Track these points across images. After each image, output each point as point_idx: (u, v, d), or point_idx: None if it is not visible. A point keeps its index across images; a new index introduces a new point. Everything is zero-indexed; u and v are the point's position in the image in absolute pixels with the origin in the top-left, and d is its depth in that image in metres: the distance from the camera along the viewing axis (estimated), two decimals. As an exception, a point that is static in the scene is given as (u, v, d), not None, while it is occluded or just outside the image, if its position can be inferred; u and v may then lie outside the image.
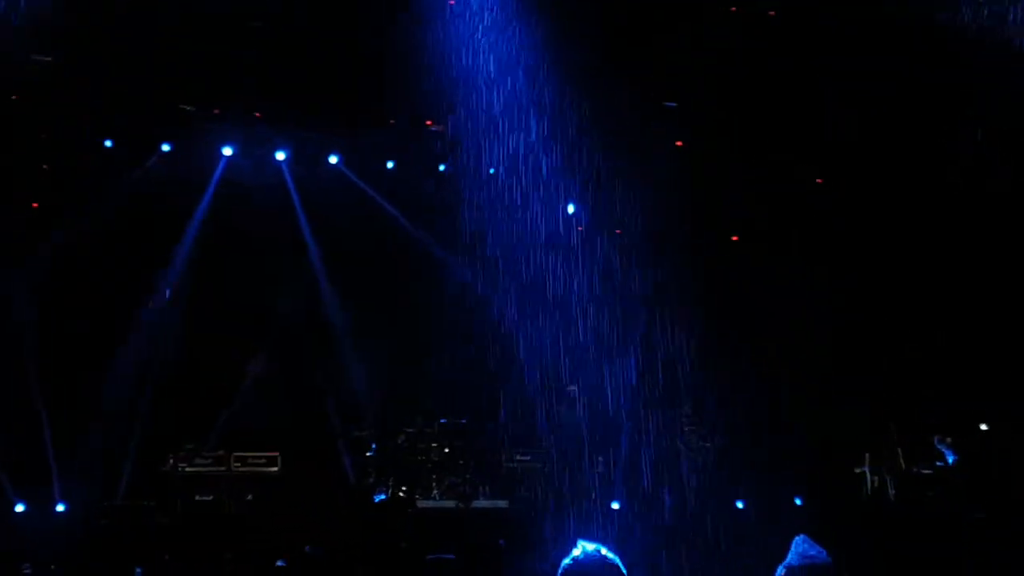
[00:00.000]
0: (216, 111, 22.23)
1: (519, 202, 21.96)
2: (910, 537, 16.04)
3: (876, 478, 22.37)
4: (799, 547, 5.78)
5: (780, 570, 5.74)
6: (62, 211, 21.94)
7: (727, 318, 22.61)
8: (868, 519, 20.11)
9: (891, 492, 22.21)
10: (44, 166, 22.17)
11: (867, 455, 22.57)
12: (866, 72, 19.55)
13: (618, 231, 23.81)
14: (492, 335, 22.10)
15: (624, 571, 5.11)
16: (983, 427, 21.98)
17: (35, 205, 22.23)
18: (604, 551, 5.12)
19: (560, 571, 5.12)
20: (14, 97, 20.48)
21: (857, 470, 22.61)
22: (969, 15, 17.67)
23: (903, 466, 22.15)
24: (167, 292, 22.88)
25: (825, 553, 5.74)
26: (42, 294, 21.52)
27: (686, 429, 22.27)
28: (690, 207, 23.11)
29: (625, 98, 21.04)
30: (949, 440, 21.19)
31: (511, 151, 21.11)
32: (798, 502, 20.98)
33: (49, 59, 19.66)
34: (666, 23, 19.62)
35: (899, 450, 22.12)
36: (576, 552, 5.11)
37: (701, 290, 22.60)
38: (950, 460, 20.90)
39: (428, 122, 22.82)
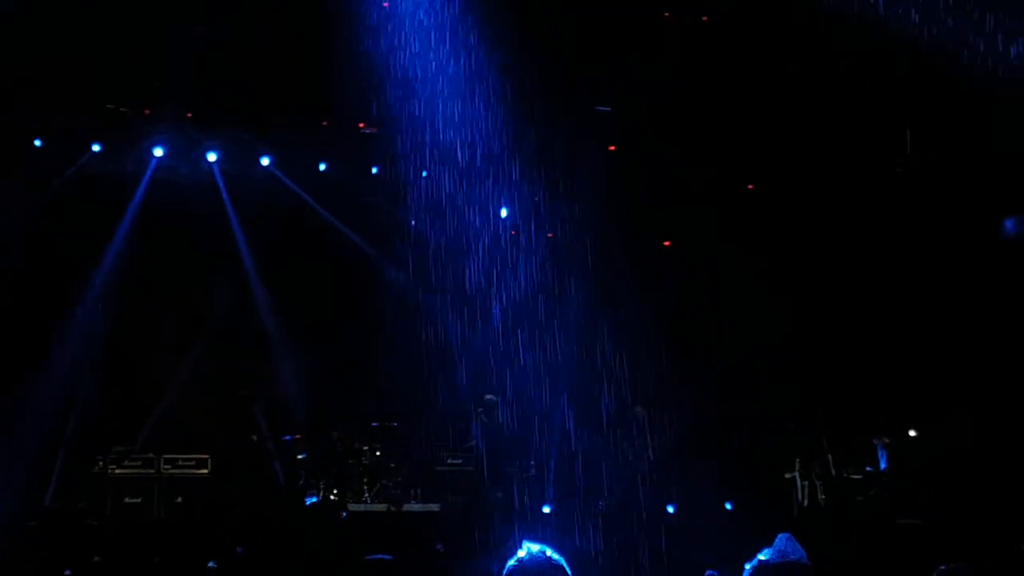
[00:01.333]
0: (147, 111, 22.01)
1: (453, 205, 21.93)
2: (841, 541, 16.13)
3: (806, 483, 22.51)
4: (779, 544, 5.76)
5: (753, 562, 5.71)
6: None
7: (660, 322, 22.69)
8: (798, 524, 20.25)
9: (821, 497, 22.37)
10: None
11: (797, 460, 22.72)
12: (806, 73, 19.71)
13: (550, 235, 23.86)
14: (426, 338, 22.05)
15: (569, 572, 5.10)
16: (912, 432, 22.22)
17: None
18: (549, 552, 5.11)
19: (505, 572, 5.09)
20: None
21: (787, 475, 22.75)
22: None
23: (833, 472, 22.32)
24: (95, 295, 22.63)
25: (804, 555, 5.72)
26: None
27: (619, 434, 22.31)
28: (625, 210, 23.19)
29: (559, 101, 21.08)
30: (887, 441, 21.41)
31: (445, 153, 21.08)
32: (728, 507, 21.06)
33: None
34: (602, 29, 19.67)
35: (829, 456, 22.27)
36: (521, 553, 5.09)
37: (635, 294, 22.67)
38: (882, 464, 21.10)
39: (361, 124, 22.72)
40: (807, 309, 22.82)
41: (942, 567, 5.21)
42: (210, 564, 15.17)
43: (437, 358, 22.23)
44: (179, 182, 23.03)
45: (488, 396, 21.36)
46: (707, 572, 5.34)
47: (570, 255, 22.76)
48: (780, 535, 5.82)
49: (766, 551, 5.72)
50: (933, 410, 21.83)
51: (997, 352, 21.13)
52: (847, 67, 19.35)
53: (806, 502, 22.47)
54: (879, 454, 21.46)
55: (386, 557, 7.56)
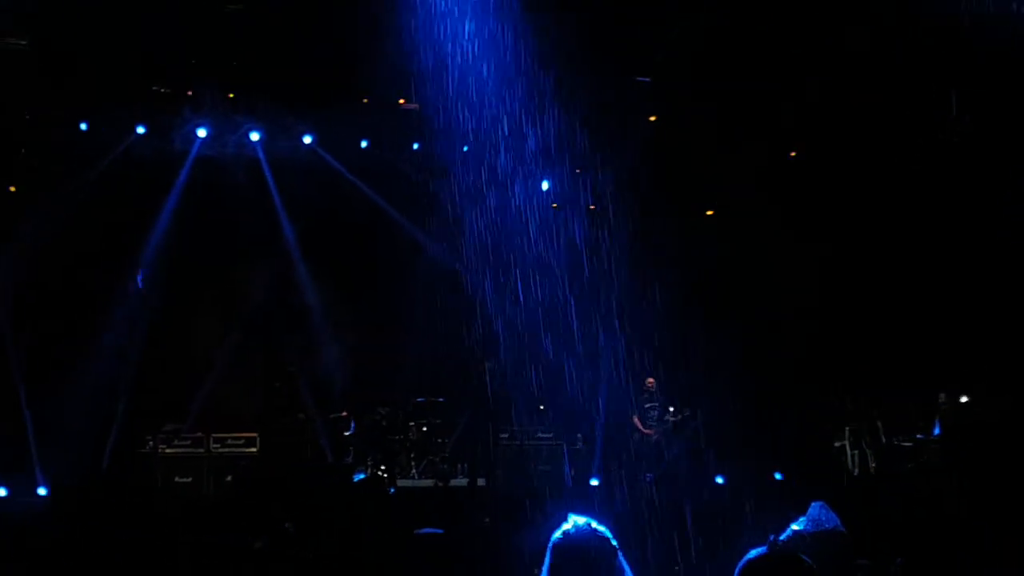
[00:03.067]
0: (190, 92, 22.08)
1: (494, 179, 21.92)
2: (893, 508, 16.05)
3: (856, 452, 22.47)
4: (813, 512, 5.74)
5: (787, 532, 5.69)
6: (38, 194, 21.80)
7: (705, 294, 22.60)
8: (850, 492, 20.18)
9: (871, 465, 22.31)
10: (21, 150, 22.02)
11: (847, 429, 22.66)
12: (847, 48, 19.54)
13: (592, 207, 23.80)
14: (470, 313, 22.06)
15: (615, 543, 5.09)
16: (963, 399, 22.09)
17: (12, 189, 22.10)
18: (595, 524, 5.10)
19: (550, 545, 5.09)
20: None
21: (837, 444, 22.70)
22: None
23: (883, 439, 22.25)
24: (141, 275, 22.73)
25: (840, 523, 5.69)
26: (20, 276, 21.37)
27: (647, 406, 22.30)
28: (665, 182, 23.10)
29: (601, 72, 20.99)
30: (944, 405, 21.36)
31: (485, 128, 21.04)
32: (778, 477, 21.00)
33: (23, 43, 19.52)
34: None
35: (879, 423, 22.20)
36: (567, 526, 5.09)
37: (679, 266, 22.58)
38: (936, 430, 21.02)
39: (401, 100, 22.70)
40: (855, 276, 22.70)
41: None
42: (259, 542, 15.24)
43: (480, 333, 22.26)
44: (222, 162, 23.09)
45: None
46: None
47: (611, 227, 22.68)
48: (813, 503, 5.79)
49: (800, 520, 5.70)
50: (984, 375, 21.69)
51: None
52: (889, 31, 19.17)
53: (856, 470, 22.42)
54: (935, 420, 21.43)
55: (437, 531, 7.58)
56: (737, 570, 4.97)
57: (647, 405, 22.20)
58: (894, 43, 19.06)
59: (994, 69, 19.02)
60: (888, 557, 7.56)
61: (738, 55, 20.29)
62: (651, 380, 22.23)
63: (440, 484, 20.75)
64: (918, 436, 22.04)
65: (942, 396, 22.13)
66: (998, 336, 21.28)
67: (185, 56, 20.63)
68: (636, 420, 22.34)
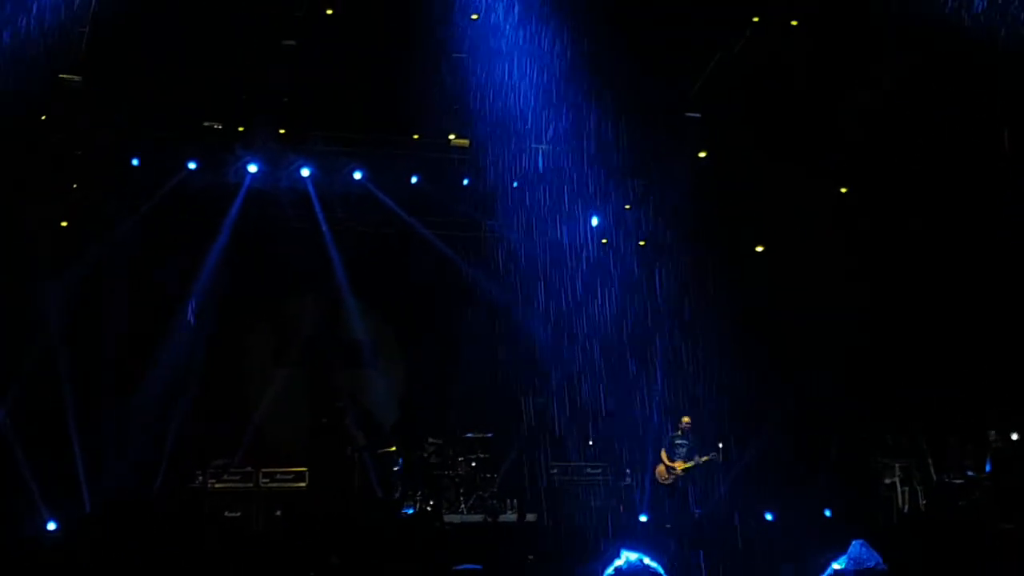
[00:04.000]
0: (241, 128, 22.23)
1: (543, 215, 21.99)
2: (944, 547, 15.92)
3: (907, 489, 22.29)
4: (855, 551, 5.71)
5: (828, 571, 5.67)
6: (90, 229, 21.98)
7: (753, 328, 22.54)
8: (900, 530, 20.03)
9: (922, 502, 22.13)
10: (74, 185, 22.22)
11: (897, 466, 22.50)
12: (885, 76, 19.52)
13: (642, 243, 23.82)
14: (518, 348, 22.09)
15: (667, 580, 5.09)
16: (1014, 436, 21.90)
17: (64, 224, 22.29)
18: (647, 560, 5.10)
19: (604, 581, 5.09)
20: (43, 117, 20.56)
21: (887, 481, 22.53)
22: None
23: (934, 476, 22.08)
24: (191, 308, 22.87)
25: (881, 561, 5.66)
26: (74, 310, 21.54)
27: (679, 443, 22.15)
28: (715, 218, 23.09)
29: (649, 110, 21.03)
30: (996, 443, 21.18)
31: (535, 165, 21.13)
32: (827, 514, 20.86)
33: (78, 78, 19.74)
34: (690, 36, 19.65)
35: (929, 460, 22.04)
36: (619, 562, 5.09)
37: (727, 299, 22.55)
38: (988, 467, 20.83)
39: (451, 136, 22.80)
40: (906, 311, 22.58)
41: None
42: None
43: (530, 367, 22.28)
44: (274, 196, 23.22)
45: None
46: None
47: (661, 262, 22.70)
48: (855, 542, 5.77)
49: (841, 559, 5.68)
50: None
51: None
52: (942, 65, 19.13)
53: (907, 507, 22.25)
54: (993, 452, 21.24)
55: (475, 567, 7.58)
56: None
57: (678, 441, 22.04)
58: (944, 71, 19.04)
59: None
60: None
61: (784, 87, 20.33)
62: (687, 419, 22.08)
63: (489, 519, 20.72)
64: (969, 473, 21.86)
65: (992, 433, 21.94)
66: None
67: (237, 91, 20.78)
68: (663, 453, 22.11)
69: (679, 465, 21.77)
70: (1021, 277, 21.46)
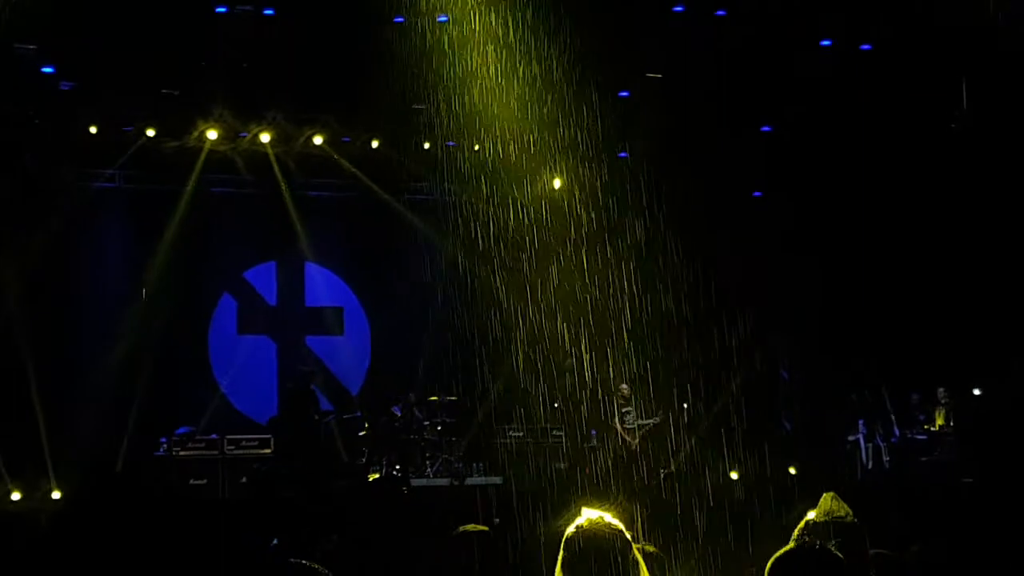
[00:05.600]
0: (200, 94, 22.09)
1: (506, 177, 21.93)
2: (907, 502, 16.04)
3: (870, 445, 22.45)
4: (824, 504, 5.75)
5: (801, 523, 5.70)
6: (48, 197, 21.82)
7: (714, 294, 22.59)
8: (865, 486, 20.19)
9: (885, 459, 22.30)
10: (27, 153, 22.03)
11: (860, 422, 22.64)
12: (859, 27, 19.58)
13: (605, 204, 23.80)
14: (483, 312, 22.07)
15: (628, 538, 5.08)
16: (975, 391, 22.07)
17: (16, 192, 22.12)
18: (608, 518, 5.08)
19: (563, 539, 5.07)
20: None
21: (851, 438, 22.68)
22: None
23: (896, 432, 22.25)
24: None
25: (850, 512, 5.71)
26: (33, 280, 21.39)
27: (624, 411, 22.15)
28: (676, 184, 23.11)
29: (614, 72, 20.98)
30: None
31: (495, 126, 21.04)
32: (792, 471, 21.00)
33: (32, 47, 19.56)
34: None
35: (892, 417, 22.20)
36: (581, 521, 5.07)
37: (692, 264, 22.58)
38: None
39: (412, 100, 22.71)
40: (865, 267, 22.68)
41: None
42: (273, 542, 15.25)
43: (491, 332, 22.28)
44: (233, 163, 23.10)
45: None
46: None
47: (625, 226, 22.68)
48: (824, 495, 5.81)
49: (812, 511, 5.73)
50: (996, 367, 21.64)
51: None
52: (902, 22, 19.18)
53: (870, 464, 22.41)
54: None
55: (482, 528, 7.57)
56: (768, 567, 5.00)
57: (624, 409, 22.02)
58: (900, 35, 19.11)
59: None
60: (904, 546, 7.56)
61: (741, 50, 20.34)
62: (625, 386, 22.01)
63: (455, 483, 20.75)
64: (930, 429, 22.07)
65: (941, 391, 22.17)
66: (1002, 328, 21.27)
67: (195, 57, 20.60)
68: (616, 424, 22.06)
69: (634, 435, 21.80)
70: (977, 238, 21.59)
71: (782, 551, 5.02)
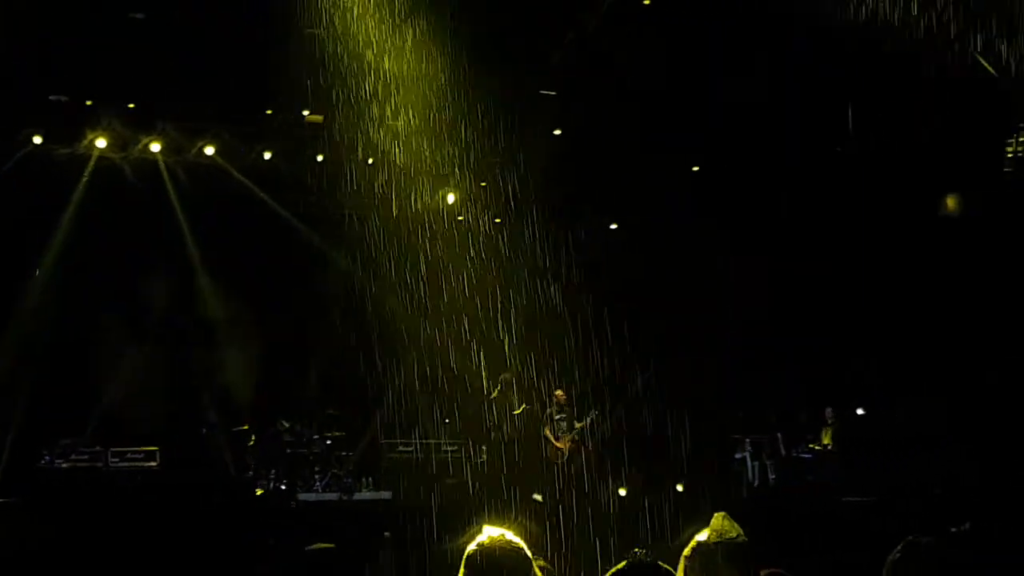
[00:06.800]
0: (89, 102, 21.80)
1: (399, 191, 21.89)
2: (793, 518, 16.28)
3: (757, 463, 22.69)
4: (716, 523, 5.78)
5: (692, 543, 5.73)
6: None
7: (611, 304, 22.72)
8: (750, 503, 20.40)
9: (771, 477, 22.55)
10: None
11: (748, 440, 22.88)
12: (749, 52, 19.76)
13: (498, 219, 23.84)
14: (374, 326, 22.01)
15: (529, 555, 5.09)
16: (859, 411, 22.41)
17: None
18: (509, 536, 5.09)
19: (465, 557, 5.07)
20: None
21: (738, 456, 22.90)
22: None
23: (783, 451, 22.52)
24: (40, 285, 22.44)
25: (741, 532, 5.74)
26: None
27: (558, 418, 22.21)
28: (571, 193, 23.25)
29: (506, 85, 21.02)
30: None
31: (390, 140, 21.01)
32: (679, 489, 21.14)
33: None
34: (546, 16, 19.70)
35: (779, 435, 22.46)
36: (481, 538, 5.07)
37: (584, 276, 22.70)
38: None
39: (305, 112, 22.61)
40: (757, 288, 22.93)
41: (910, 538, 5.24)
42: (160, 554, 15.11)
43: (385, 346, 22.22)
44: (123, 172, 22.81)
45: None
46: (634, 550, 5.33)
47: (517, 239, 22.74)
48: (716, 514, 5.84)
49: (704, 532, 5.76)
50: (881, 389, 22.03)
51: (938, 330, 21.35)
52: (789, 48, 19.42)
53: (756, 482, 22.65)
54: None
55: (327, 545, 7.54)
56: None
57: (557, 416, 22.10)
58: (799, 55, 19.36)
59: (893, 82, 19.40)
60: (792, 566, 7.64)
61: (639, 64, 20.45)
62: (560, 392, 22.11)
63: (344, 497, 20.64)
64: (815, 447, 22.37)
65: (829, 410, 22.50)
66: (896, 348, 21.66)
67: (85, 65, 20.31)
68: (547, 432, 22.16)
69: (565, 441, 21.82)
70: (868, 253, 21.95)
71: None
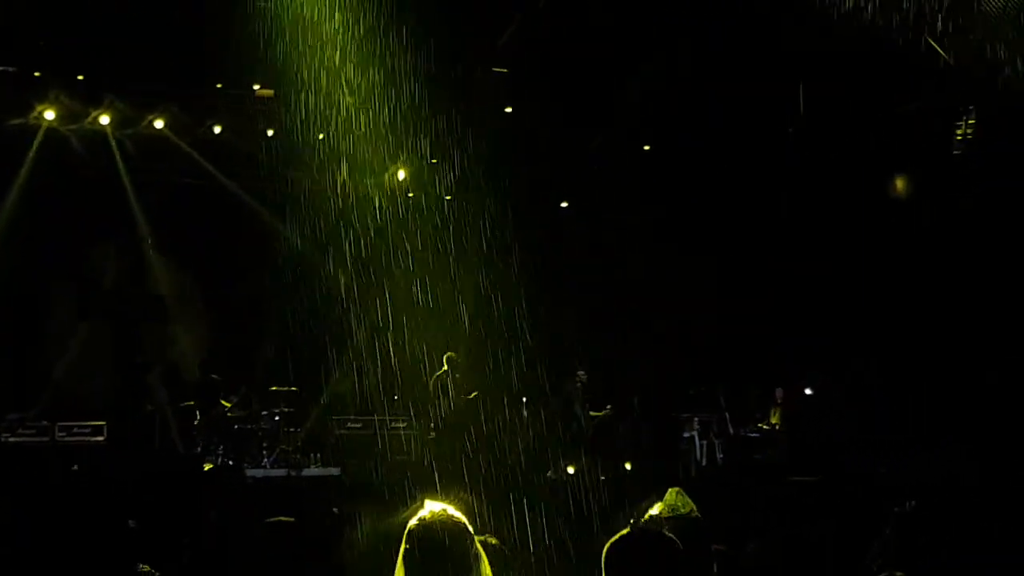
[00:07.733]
0: (36, 74, 21.60)
1: (350, 168, 21.83)
2: (740, 497, 16.33)
3: (705, 442, 22.77)
4: (670, 499, 5.78)
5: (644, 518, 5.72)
6: None
7: (561, 285, 22.76)
8: (698, 482, 20.46)
9: (719, 456, 22.64)
10: None
11: (696, 419, 22.95)
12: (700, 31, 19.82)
13: (448, 197, 23.82)
14: (324, 302, 21.95)
15: (471, 531, 5.09)
16: (807, 391, 22.53)
17: None
18: (450, 511, 5.08)
19: (406, 531, 5.06)
20: None
21: (686, 434, 22.97)
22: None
23: (731, 430, 22.60)
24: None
25: (694, 508, 5.75)
26: None
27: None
28: (522, 172, 23.23)
29: (457, 64, 21.00)
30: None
31: (341, 115, 20.93)
32: (627, 467, 21.19)
33: None
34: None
35: (726, 414, 22.54)
36: (423, 513, 5.06)
37: (533, 255, 22.71)
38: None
39: (256, 86, 22.50)
40: (704, 268, 23.00)
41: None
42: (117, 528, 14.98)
43: (334, 323, 22.16)
44: (72, 145, 22.61)
45: None
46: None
47: (468, 217, 22.72)
48: (670, 489, 5.85)
49: (657, 506, 5.75)
50: (829, 367, 22.16)
51: (886, 309, 21.49)
52: (740, 28, 19.47)
53: (704, 461, 22.73)
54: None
55: (286, 519, 7.52)
56: (604, 554, 5.01)
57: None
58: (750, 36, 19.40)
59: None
60: (742, 543, 7.69)
61: (589, 44, 20.45)
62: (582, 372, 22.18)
63: (293, 473, 20.58)
64: (762, 426, 22.48)
65: (779, 390, 22.60)
66: (844, 325, 21.81)
67: (32, 36, 20.12)
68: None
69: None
70: (819, 232, 22.08)
71: (617, 536, 5.03)
